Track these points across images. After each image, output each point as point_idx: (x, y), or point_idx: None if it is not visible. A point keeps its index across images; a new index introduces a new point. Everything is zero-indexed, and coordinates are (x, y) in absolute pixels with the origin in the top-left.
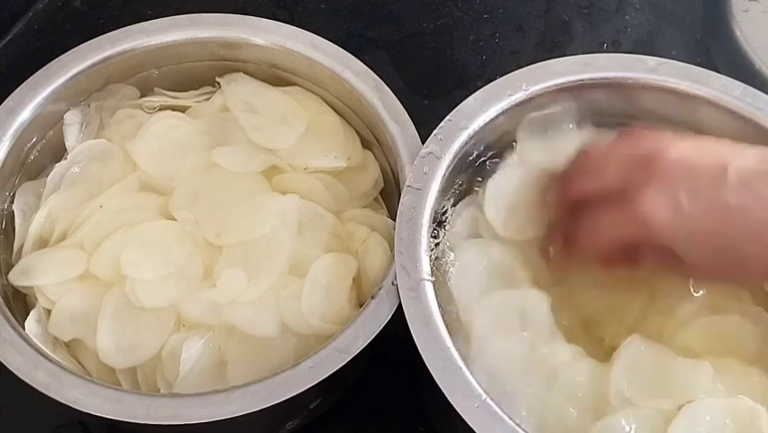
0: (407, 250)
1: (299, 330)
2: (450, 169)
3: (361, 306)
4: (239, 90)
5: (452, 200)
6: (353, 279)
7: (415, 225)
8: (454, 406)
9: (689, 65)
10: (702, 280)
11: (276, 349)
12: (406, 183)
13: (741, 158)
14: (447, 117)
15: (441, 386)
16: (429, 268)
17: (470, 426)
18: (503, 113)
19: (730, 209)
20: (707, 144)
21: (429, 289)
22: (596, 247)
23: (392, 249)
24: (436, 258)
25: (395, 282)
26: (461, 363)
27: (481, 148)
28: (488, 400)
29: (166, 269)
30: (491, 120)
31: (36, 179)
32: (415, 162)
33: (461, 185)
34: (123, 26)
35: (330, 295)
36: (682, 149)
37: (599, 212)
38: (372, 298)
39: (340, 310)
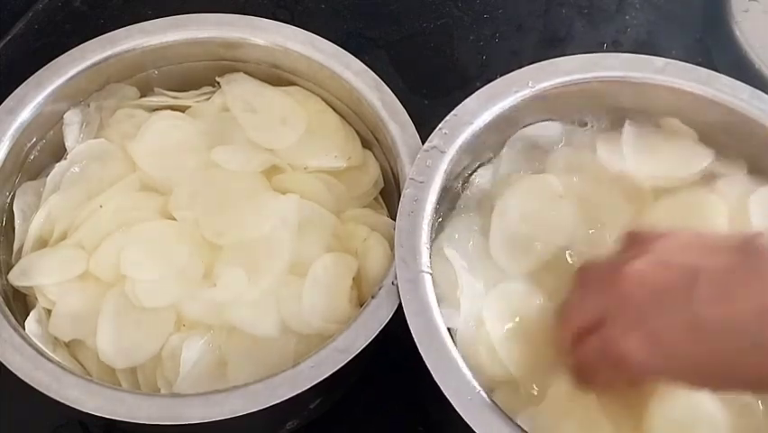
0: (407, 242)
1: (299, 330)
2: (453, 163)
3: (361, 306)
4: (239, 90)
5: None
6: (353, 279)
7: (416, 217)
8: (447, 397)
9: (696, 66)
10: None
11: (276, 349)
12: (409, 176)
13: (713, 259)
14: (452, 112)
15: (435, 377)
16: (428, 261)
17: (463, 417)
18: (508, 109)
19: (708, 324)
20: (674, 250)
21: (428, 281)
22: (593, 384)
23: (392, 249)
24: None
25: (395, 282)
26: (456, 355)
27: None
28: (481, 392)
29: (166, 269)
30: (496, 116)
31: (36, 179)
32: (418, 156)
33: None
34: (123, 26)
35: (330, 295)
36: (645, 266)
37: (584, 359)
38: (372, 297)
39: (340, 310)
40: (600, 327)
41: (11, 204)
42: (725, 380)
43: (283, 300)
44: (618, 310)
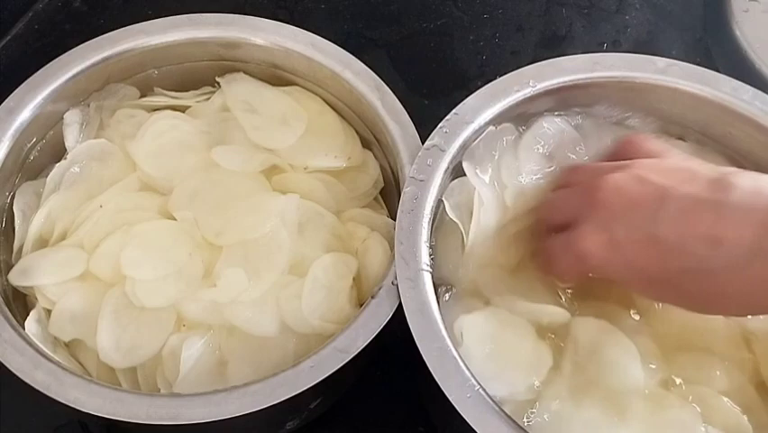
0: (407, 240)
1: (299, 330)
2: (453, 162)
3: (361, 306)
4: (239, 90)
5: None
6: (353, 278)
7: (416, 215)
8: (446, 394)
9: (698, 67)
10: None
11: (276, 349)
12: (409, 174)
13: (686, 186)
14: (454, 111)
15: (434, 375)
16: (428, 259)
17: (462, 415)
18: (509, 109)
19: (665, 244)
20: (655, 170)
21: (427, 279)
22: (553, 275)
23: (392, 249)
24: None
25: (395, 282)
26: (455, 353)
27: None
28: (480, 390)
29: (166, 269)
30: (497, 115)
31: (36, 179)
32: (419, 154)
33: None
34: (123, 26)
35: (330, 295)
36: (623, 179)
37: (551, 242)
38: (372, 297)
39: (340, 310)
40: (572, 225)
41: (11, 204)
42: (668, 294)
43: (283, 300)
44: (590, 213)
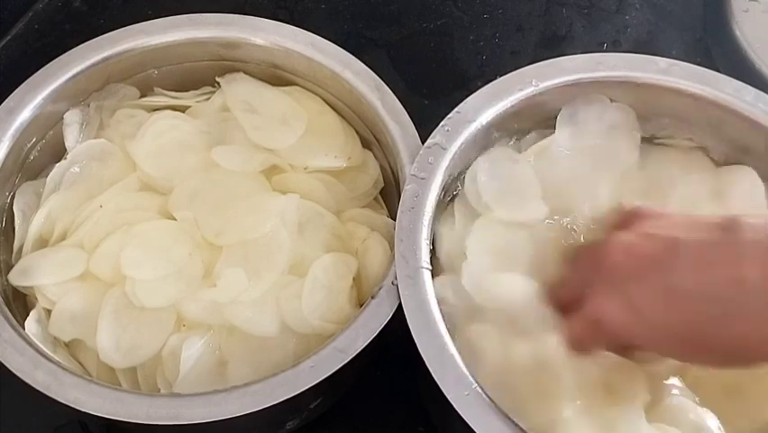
0: (408, 238)
1: (299, 330)
2: (455, 160)
3: (361, 306)
4: (239, 90)
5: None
6: (353, 278)
7: (416, 213)
8: (444, 392)
9: (701, 67)
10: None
11: (276, 349)
12: (410, 172)
13: (695, 233)
14: (455, 109)
15: (432, 372)
16: (428, 257)
17: (459, 412)
18: (511, 108)
19: (684, 293)
20: (660, 225)
21: (427, 276)
22: (574, 347)
23: (392, 248)
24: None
25: (395, 282)
26: (453, 351)
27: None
28: (478, 388)
29: (166, 269)
30: (499, 114)
31: (36, 179)
32: (420, 152)
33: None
34: (123, 26)
35: (330, 295)
36: (629, 238)
37: (569, 327)
38: (372, 298)
39: (340, 310)
40: (587, 297)
41: (11, 204)
42: (698, 349)
43: (283, 300)
44: (603, 278)
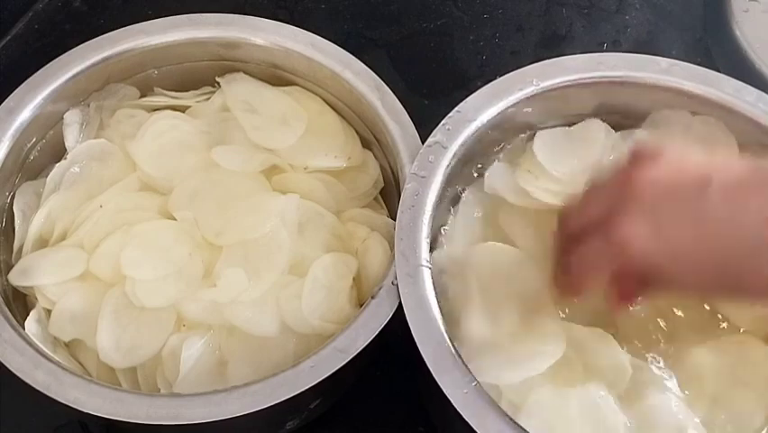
0: (408, 236)
1: (299, 330)
2: (455, 159)
3: (361, 306)
4: (239, 90)
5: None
6: (353, 278)
7: (416, 212)
8: (443, 389)
9: (701, 67)
10: (707, 298)
11: (276, 349)
12: (411, 171)
13: (724, 171)
14: (456, 108)
15: (431, 369)
16: (428, 255)
17: (458, 410)
18: (512, 107)
19: (715, 224)
20: (687, 161)
21: (427, 275)
22: (588, 280)
23: (392, 248)
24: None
25: (395, 282)
26: (453, 349)
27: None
28: (477, 386)
29: (166, 269)
30: (499, 113)
31: (36, 179)
32: (421, 151)
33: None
34: (123, 26)
35: (330, 295)
36: (660, 170)
37: (585, 245)
38: (372, 298)
39: (340, 310)
40: (605, 223)
41: (11, 204)
42: (720, 283)
43: (283, 300)
44: (628, 205)
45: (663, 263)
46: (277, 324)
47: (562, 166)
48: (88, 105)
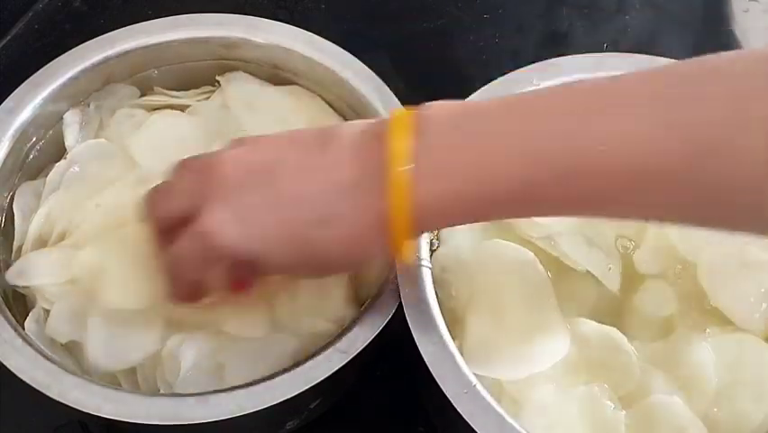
0: None
1: (295, 330)
2: None
3: (360, 306)
4: (239, 89)
5: None
6: (353, 279)
7: None
8: (443, 389)
9: None
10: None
11: (273, 349)
12: None
13: (297, 144)
14: None
15: (431, 369)
16: (428, 255)
17: (458, 410)
18: None
19: (285, 201)
20: (267, 139)
21: (427, 275)
22: (189, 280)
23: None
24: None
25: (395, 282)
26: (453, 349)
27: None
28: (477, 386)
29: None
30: None
31: (36, 179)
32: None
33: None
34: (123, 26)
35: (324, 294)
36: (238, 152)
37: (176, 245)
38: (372, 297)
39: (336, 310)
40: (197, 212)
41: (10, 204)
42: (306, 258)
43: (277, 301)
44: (210, 193)
45: (254, 249)
46: (271, 324)
47: None
48: (88, 105)
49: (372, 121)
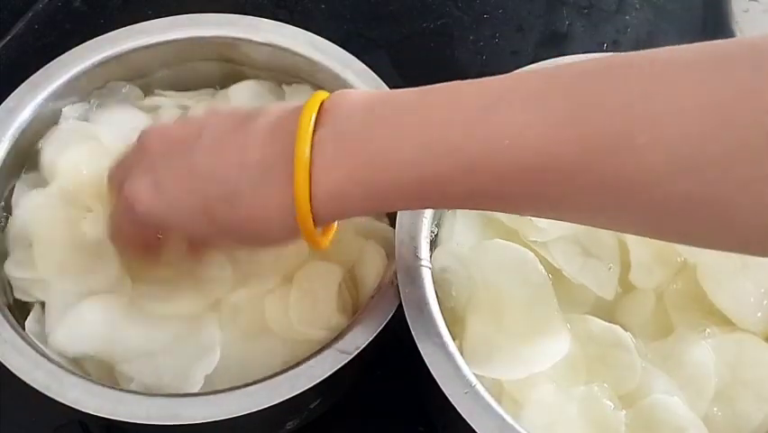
0: (408, 236)
1: (287, 336)
2: None
3: (355, 313)
4: (240, 90)
5: None
6: (349, 286)
7: (417, 212)
8: (443, 389)
9: None
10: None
11: (261, 358)
12: None
13: (223, 120)
14: None
15: (431, 370)
16: (428, 255)
17: (458, 410)
18: None
19: (201, 174)
20: (201, 115)
21: (427, 275)
22: (126, 240)
23: (388, 256)
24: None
25: (395, 281)
26: (453, 349)
27: None
28: (477, 386)
29: None
30: None
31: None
32: None
33: None
34: (123, 26)
35: (317, 302)
36: (169, 126)
37: (113, 210)
38: (372, 297)
39: (329, 318)
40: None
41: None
42: (216, 229)
43: (269, 307)
44: (137, 162)
45: (167, 216)
46: (263, 331)
47: None
48: (89, 102)
49: (299, 103)
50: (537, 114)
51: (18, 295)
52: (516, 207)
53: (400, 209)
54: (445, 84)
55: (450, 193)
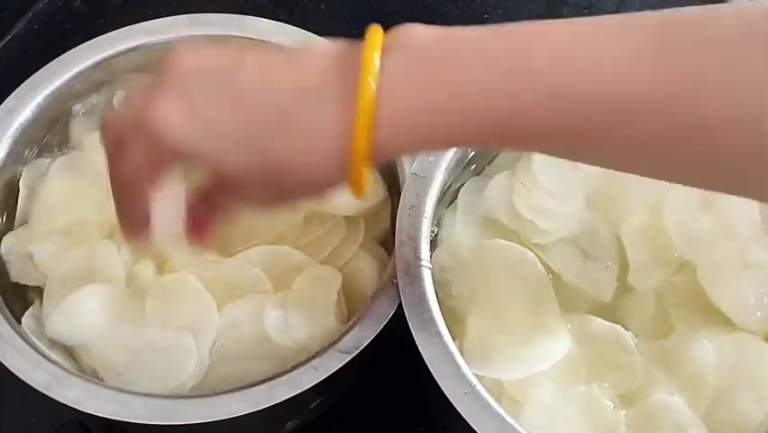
0: (408, 237)
1: (284, 344)
2: (455, 159)
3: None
4: None
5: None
6: (345, 294)
7: (416, 212)
8: (443, 389)
9: None
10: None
11: (259, 364)
12: (411, 171)
13: (260, 52)
14: None
15: (431, 370)
16: (428, 255)
17: (458, 410)
18: None
19: (248, 100)
20: (229, 47)
21: (427, 275)
22: (137, 181)
23: (388, 252)
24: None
25: (395, 281)
26: (453, 349)
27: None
28: (477, 386)
29: None
30: None
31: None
32: None
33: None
34: (123, 26)
35: (315, 310)
36: (197, 50)
37: (127, 149)
38: (372, 298)
39: (326, 326)
40: (141, 111)
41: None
42: (258, 167)
43: (267, 315)
44: (163, 83)
45: (201, 147)
46: (260, 338)
47: (556, 176)
48: (99, 93)
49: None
50: (624, 49)
51: (16, 277)
52: (589, 146)
53: (467, 144)
54: (526, 22)
55: (530, 123)
